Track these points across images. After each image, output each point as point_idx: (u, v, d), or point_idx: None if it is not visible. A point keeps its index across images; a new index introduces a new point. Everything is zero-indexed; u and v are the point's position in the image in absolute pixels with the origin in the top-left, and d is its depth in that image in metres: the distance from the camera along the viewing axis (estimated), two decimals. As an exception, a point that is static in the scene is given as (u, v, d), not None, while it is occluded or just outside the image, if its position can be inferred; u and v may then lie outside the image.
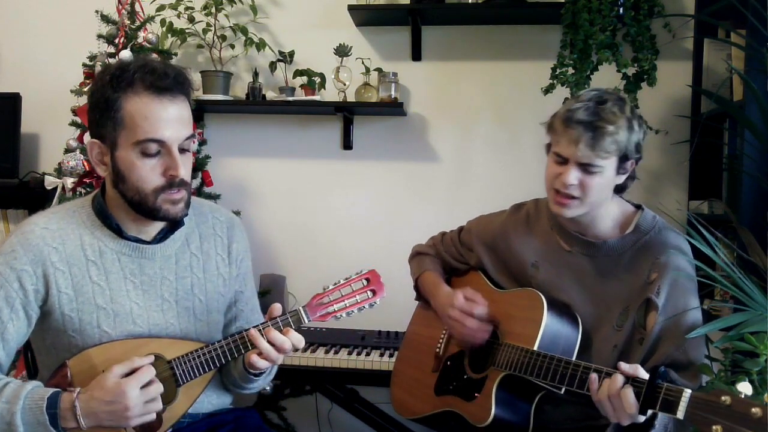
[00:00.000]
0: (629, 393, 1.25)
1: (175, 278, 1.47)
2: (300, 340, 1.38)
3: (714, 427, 1.11)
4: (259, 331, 1.37)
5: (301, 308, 1.41)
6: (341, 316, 1.43)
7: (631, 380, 1.27)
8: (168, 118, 1.33)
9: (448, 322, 1.72)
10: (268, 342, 1.36)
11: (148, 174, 1.34)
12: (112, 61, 2.46)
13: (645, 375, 1.27)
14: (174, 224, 1.47)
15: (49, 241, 1.38)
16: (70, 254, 1.39)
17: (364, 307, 1.44)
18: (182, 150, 1.37)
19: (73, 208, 1.45)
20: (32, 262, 1.36)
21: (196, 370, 1.39)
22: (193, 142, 2.62)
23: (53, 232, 1.39)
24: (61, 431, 1.26)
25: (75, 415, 1.25)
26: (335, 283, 1.44)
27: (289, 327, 1.39)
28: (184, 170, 1.36)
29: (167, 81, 1.33)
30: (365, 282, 1.46)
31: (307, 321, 1.41)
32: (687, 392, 1.18)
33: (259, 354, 1.37)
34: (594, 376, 1.33)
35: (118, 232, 1.42)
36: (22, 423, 1.24)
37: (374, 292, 1.45)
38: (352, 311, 1.44)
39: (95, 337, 1.39)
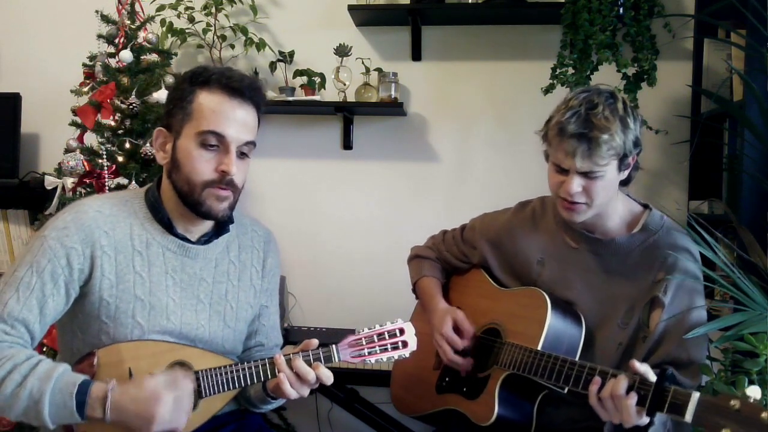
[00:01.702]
0: (632, 403, 1.25)
1: (212, 281, 1.51)
2: (329, 377, 1.39)
3: (724, 431, 1.11)
4: (287, 359, 1.39)
5: (333, 346, 1.43)
6: (371, 361, 1.46)
7: (636, 384, 1.27)
8: (233, 118, 1.41)
9: (436, 342, 1.73)
10: (293, 371, 1.38)
11: (202, 165, 1.40)
12: (112, 61, 2.46)
13: (653, 377, 1.26)
14: (219, 228, 1.52)
15: (101, 224, 1.41)
16: (118, 241, 1.42)
17: (393, 356, 1.47)
18: (241, 154, 1.44)
19: (126, 197, 1.50)
20: (82, 242, 1.38)
21: (219, 386, 1.40)
22: None
23: (106, 217, 1.42)
24: (84, 419, 1.27)
25: (104, 406, 1.26)
26: (370, 329, 1.47)
27: (318, 362, 1.40)
28: (237, 170, 1.42)
29: (241, 84, 1.41)
30: (398, 333, 1.48)
31: (338, 360, 1.43)
32: (695, 395, 1.18)
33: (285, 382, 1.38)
34: (597, 379, 1.33)
35: (168, 227, 1.46)
36: (48, 403, 1.25)
37: (405, 344, 1.48)
38: (382, 359, 1.46)
39: (127, 326, 1.41)
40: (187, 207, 1.44)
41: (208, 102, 1.40)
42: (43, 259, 1.36)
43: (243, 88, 1.42)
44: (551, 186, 1.55)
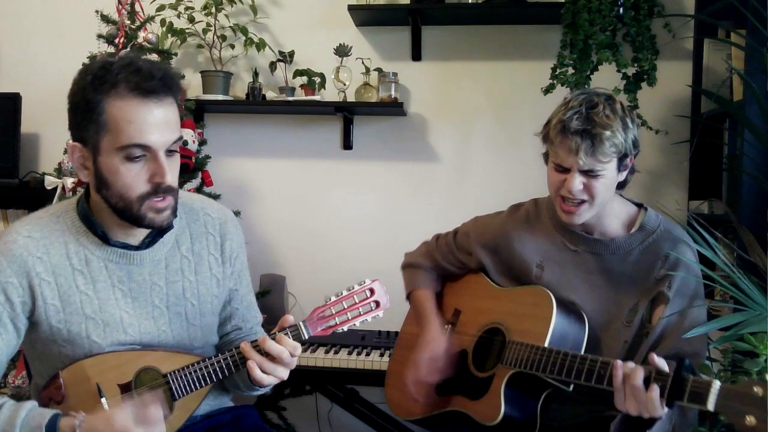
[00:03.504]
0: (655, 396, 1.24)
1: (165, 284, 1.43)
2: (295, 348, 1.34)
3: (747, 417, 1.11)
4: (254, 345, 1.34)
5: (301, 323, 1.37)
6: (343, 329, 1.40)
7: (654, 375, 1.26)
8: (154, 122, 1.26)
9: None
10: (264, 354, 1.33)
11: (132, 180, 1.28)
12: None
13: (667, 368, 1.26)
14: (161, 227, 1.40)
15: (33, 250, 1.33)
16: (55, 264, 1.34)
17: (366, 319, 1.41)
18: (170, 152, 1.31)
19: (57, 213, 1.39)
20: (17, 274, 1.31)
21: (192, 385, 1.36)
22: (194, 142, 2.60)
23: (37, 241, 1.34)
24: None
25: None
26: (337, 295, 1.40)
27: (283, 335, 1.34)
28: (171, 176, 1.30)
29: (153, 83, 1.25)
30: (368, 293, 1.41)
31: (306, 336, 1.37)
32: (716, 383, 1.17)
33: (260, 368, 1.33)
34: (618, 362, 1.31)
35: (104, 238, 1.37)
36: None
37: (377, 304, 1.41)
38: (354, 324, 1.40)
39: (85, 347, 1.35)
40: (126, 221, 1.33)
41: (122, 111, 1.24)
42: None
43: (155, 86, 1.26)
44: (551, 187, 1.56)
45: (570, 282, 1.61)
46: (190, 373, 1.36)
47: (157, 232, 1.40)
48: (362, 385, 2.54)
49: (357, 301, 1.40)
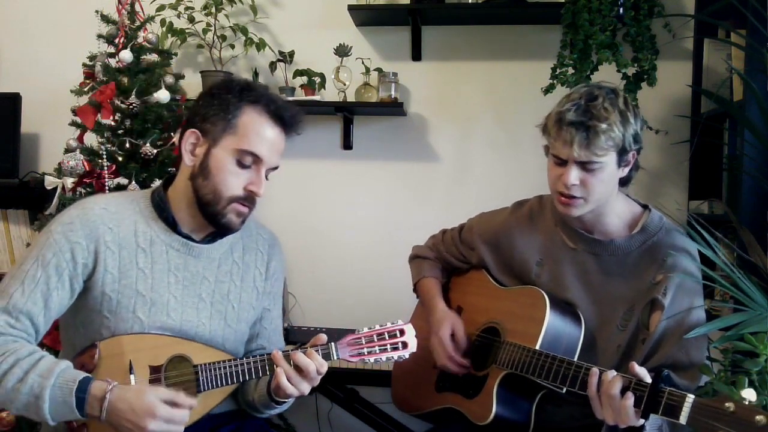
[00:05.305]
0: (629, 404, 1.25)
1: (214, 280, 1.53)
2: (321, 365, 1.41)
3: None
4: (285, 355, 1.41)
5: (332, 344, 1.45)
6: (369, 360, 1.47)
7: (632, 385, 1.26)
8: (273, 142, 1.46)
9: (431, 344, 1.73)
10: (292, 365, 1.40)
11: (233, 181, 1.44)
12: (112, 61, 2.46)
13: (649, 380, 1.26)
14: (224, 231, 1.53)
15: (106, 220, 1.44)
16: (123, 237, 1.45)
17: (392, 357, 1.48)
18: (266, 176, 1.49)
19: (132, 197, 1.54)
20: (87, 237, 1.41)
21: (218, 381, 1.42)
22: None
23: (111, 214, 1.46)
24: (84, 416, 1.29)
25: (101, 406, 1.27)
26: (370, 327, 1.48)
27: (314, 352, 1.42)
28: (263, 191, 1.47)
29: (286, 113, 1.47)
30: (399, 333, 1.49)
31: (336, 358, 1.45)
32: (690, 397, 1.18)
33: (287, 378, 1.39)
34: (594, 369, 1.33)
35: (173, 226, 1.49)
36: (48, 399, 1.26)
37: (405, 345, 1.48)
38: (381, 359, 1.47)
39: (128, 321, 1.43)
40: (205, 215, 1.47)
41: (255, 121, 1.45)
42: (49, 253, 1.39)
43: (287, 117, 1.48)
44: (550, 180, 1.55)
45: (566, 281, 1.60)
46: (219, 369, 1.43)
47: (218, 232, 1.52)
48: (362, 385, 2.54)
49: (387, 338, 1.48)
